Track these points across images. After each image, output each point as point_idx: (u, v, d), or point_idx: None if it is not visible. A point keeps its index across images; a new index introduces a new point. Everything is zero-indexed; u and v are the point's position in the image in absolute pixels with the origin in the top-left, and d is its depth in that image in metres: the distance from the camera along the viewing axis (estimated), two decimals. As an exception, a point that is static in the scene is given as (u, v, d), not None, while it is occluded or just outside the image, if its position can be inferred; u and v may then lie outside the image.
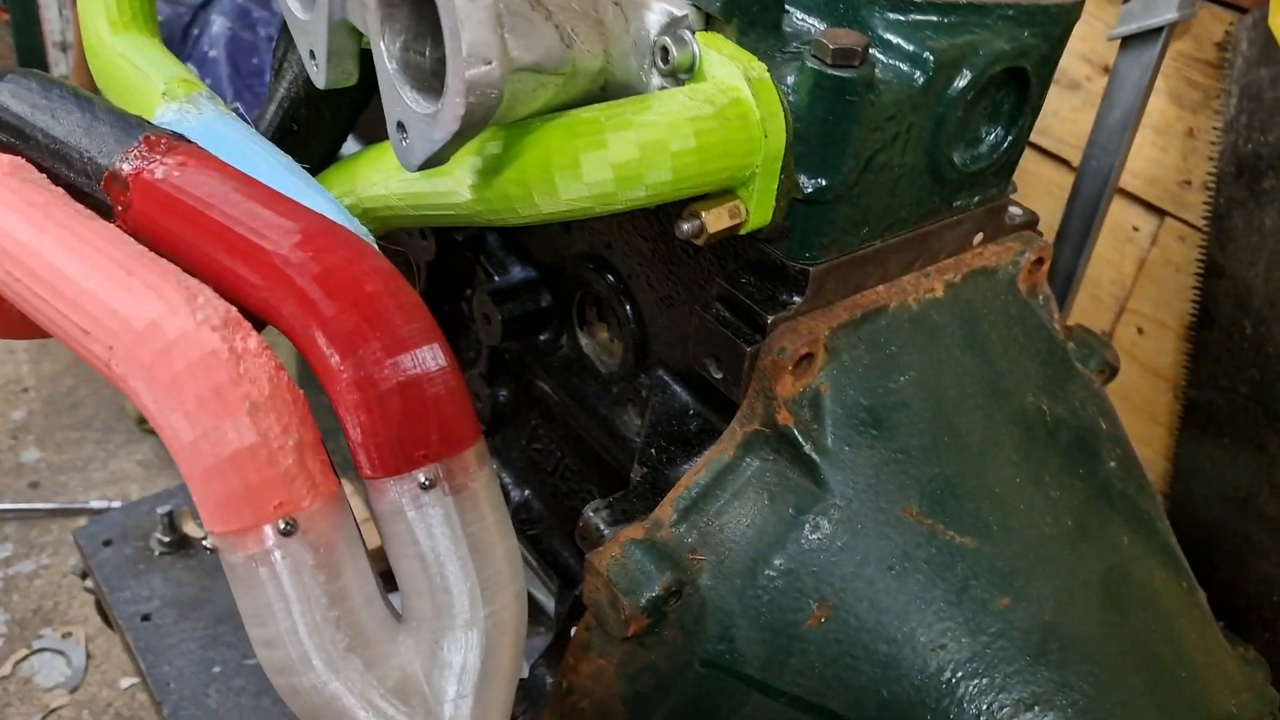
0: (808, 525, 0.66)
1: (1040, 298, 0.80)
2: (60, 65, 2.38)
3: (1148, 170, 0.98)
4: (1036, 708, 0.64)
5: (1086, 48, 0.99)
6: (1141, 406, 1.06)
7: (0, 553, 1.61)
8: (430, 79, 0.58)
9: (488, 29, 0.50)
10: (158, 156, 0.57)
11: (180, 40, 2.09)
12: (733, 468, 0.68)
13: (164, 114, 0.75)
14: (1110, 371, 0.85)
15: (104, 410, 1.82)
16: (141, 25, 0.89)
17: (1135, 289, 1.03)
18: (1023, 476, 0.70)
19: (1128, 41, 0.90)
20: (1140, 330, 1.05)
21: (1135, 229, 1.02)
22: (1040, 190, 1.08)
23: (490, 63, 0.51)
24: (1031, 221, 0.79)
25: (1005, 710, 0.63)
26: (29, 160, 0.61)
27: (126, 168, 0.57)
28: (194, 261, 0.54)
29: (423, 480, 0.49)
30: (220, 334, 0.48)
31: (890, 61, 0.63)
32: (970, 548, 0.67)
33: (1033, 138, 1.09)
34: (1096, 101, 0.96)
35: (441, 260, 0.96)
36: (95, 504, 1.66)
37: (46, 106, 0.62)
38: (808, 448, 0.67)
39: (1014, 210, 0.78)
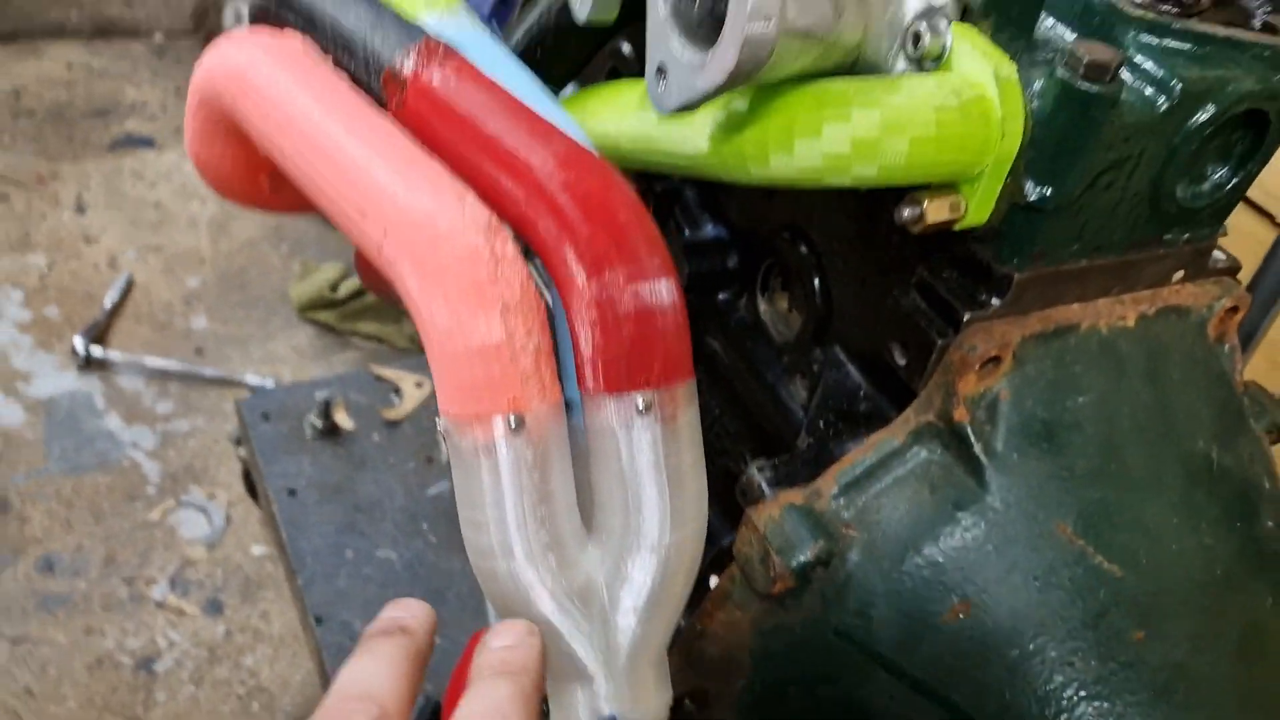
0: (963, 522, 0.68)
1: (1227, 347, 0.80)
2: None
3: (1357, 243, 0.95)
4: (1155, 740, 0.65)
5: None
6: (1300, 477, 1.04)
7: (162, 408, 1.73)
8: (696, 28, 0.60)
9: (772, -9, 0.53)
10: (435, 62, 0.62)
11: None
12: (900, 453, 0.70)
13: (426, 19, 0.80)
14: (1279, 433, 0.84)
15: (269, 294, 1.93)
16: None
17: (1319, 358, 1.02)
18: (1180, 518, 0.71)
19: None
20: (1315, 400, 1.03)
21: (1331, 299, 1.00)
22: (1237, 243, 1.06)
23: (770, 19, 0.53)
24: (1234, 268, 0.79)
25: (1125, 736, 0.65)
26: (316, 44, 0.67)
27: (406, 68, 0.62)
28: (456, 165, 0.58)
29: (640, 404, 0.52)
30: (484, 235, 0.52)
31: (1136, 83, 0.63)
32: (1116, 575, 0.68)
33: (1242, 187, 1.07)
34: (1318, 160, 0.94)
35: (636, 206, 0.99)
36: (250, 379, 1.77)
37: None
38: (978, 448, 0.68)
39: (1218, 254, 0.78)
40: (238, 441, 1.41)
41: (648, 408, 0.52)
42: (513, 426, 0.50)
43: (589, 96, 0.79)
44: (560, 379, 0.55)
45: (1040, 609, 0.67)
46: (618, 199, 0.54)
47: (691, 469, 0.55)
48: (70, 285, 1.88)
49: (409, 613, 0.52)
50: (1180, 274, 0.76)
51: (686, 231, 0.95)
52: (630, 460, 0.53)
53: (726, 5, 0.54)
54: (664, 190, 0.97)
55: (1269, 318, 1.00)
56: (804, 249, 0.83)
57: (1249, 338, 1.01)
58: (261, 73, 0.62)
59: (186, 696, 1.39)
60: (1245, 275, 1.02)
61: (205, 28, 2.45)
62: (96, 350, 1.74)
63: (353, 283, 1.91)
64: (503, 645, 0.51)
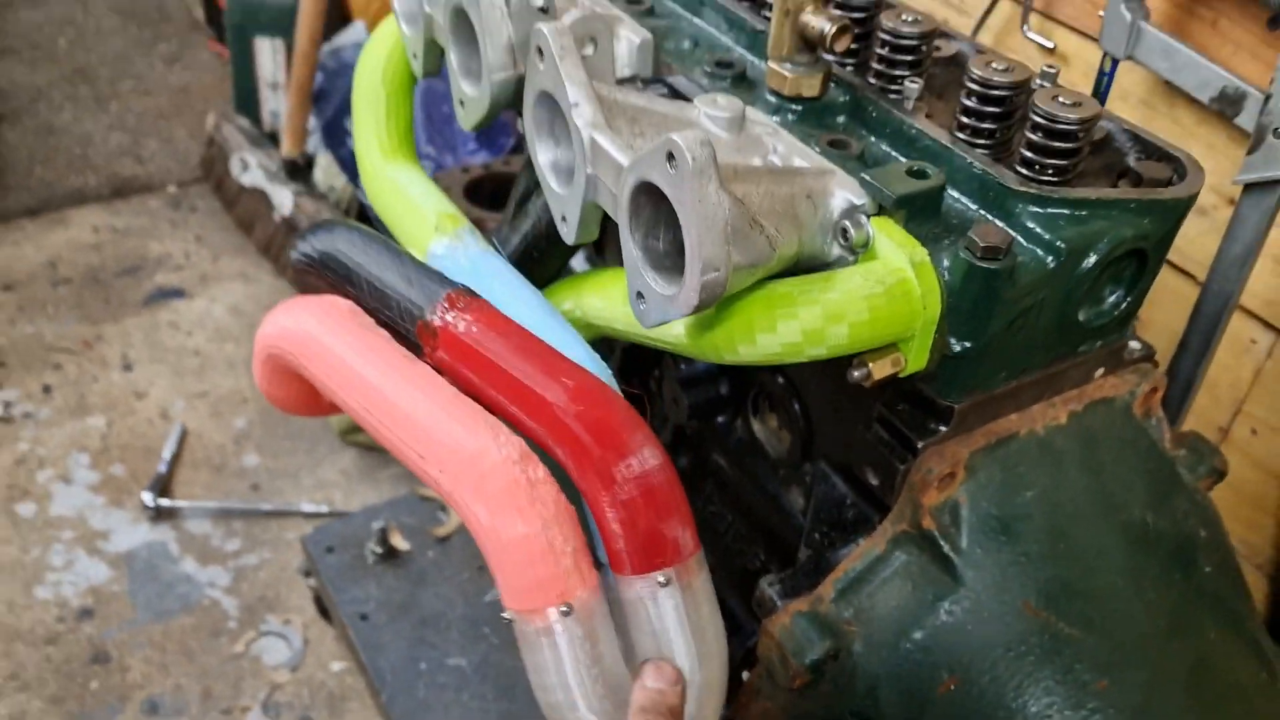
0: (943, 610, 0.82)
1: (1154, 420, 0.93)
2: (270, 101, 2.67)
3: (1266, 292, 1.09)
4: (1125, 774, 0.78)
5: (1215, 180, 1.11)
6: (1252, 498, 1.17)
7: (231, 546, 1.88)
8: (663, 259, 0.75)
9: (719, 246, 0.67)
10: (459, 312, 0.76)
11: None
12: (883, 559, 0.84)
13: (437, 246, 0.94)
14: (1218, 476, 0.97)
15: (312, 423, 2.08)
16: (406, 153, 1.10)
17: (1251, 393, 1.15)
18: (1125, 580, 0.84)
19: (1250, 187, 1.01)
20: (1254, 431, 1.16)
21: (1253, 341, 1.13)
22: (1169, 299, 1.20)
23: (719, 270, 0.68)
24: (1149, 355, 0.92)
25: (1098, 774, 0.78)
26: (354, 299, 0.81)
27: (436, 320, 0.76)
28: (486, 398, 0.72)
29: (660, 579, 0.66)
30: (519, 466, 0.66)
31: (1029, 246, 0.77)
32: (1077, 638, 0.81)
33: (1161, 253, 1.21)
34: (1221, 228, 1.08)
35: (635, 347, 1.14)
36: (306, 507, 1.92)
37: (373, 258, 0.82)
38: (946, 548, 0.82)
39: (1133, 345, 0.91)
40: (307, 573, 1.56)
41: (668, 581, 0.66)
42: (563, 612, 0.64)
43: (585, 283, 0.94)
44: (592, 549, 0.69)
45: (1017, 674, 0.80)
46: (620, 420, 0.69)
47: (709, 618, 0.68)
48: (130, 442, 2.04)
49: (669, 683, 0.64)
50: (1101, 371, 0.90)
51: (682, 366, 1.09)
52: (659, 621, 0.67)
53: (684, 238, 0.68)
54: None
55: (1202, 366, 1.13)
56: (781, 379, 0.98)
57: (1188, 384, 1.15)
58: (319, 341, 0.76)
59: (291, 811, 1.54)
60: (1176, 326, 1.16)
61: (214, 175, 2.62)
62: (164, 501, 1.90)
63: (385, 400, 2.05)
64: None
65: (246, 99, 2.70)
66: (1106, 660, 0.81)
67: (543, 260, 0.98)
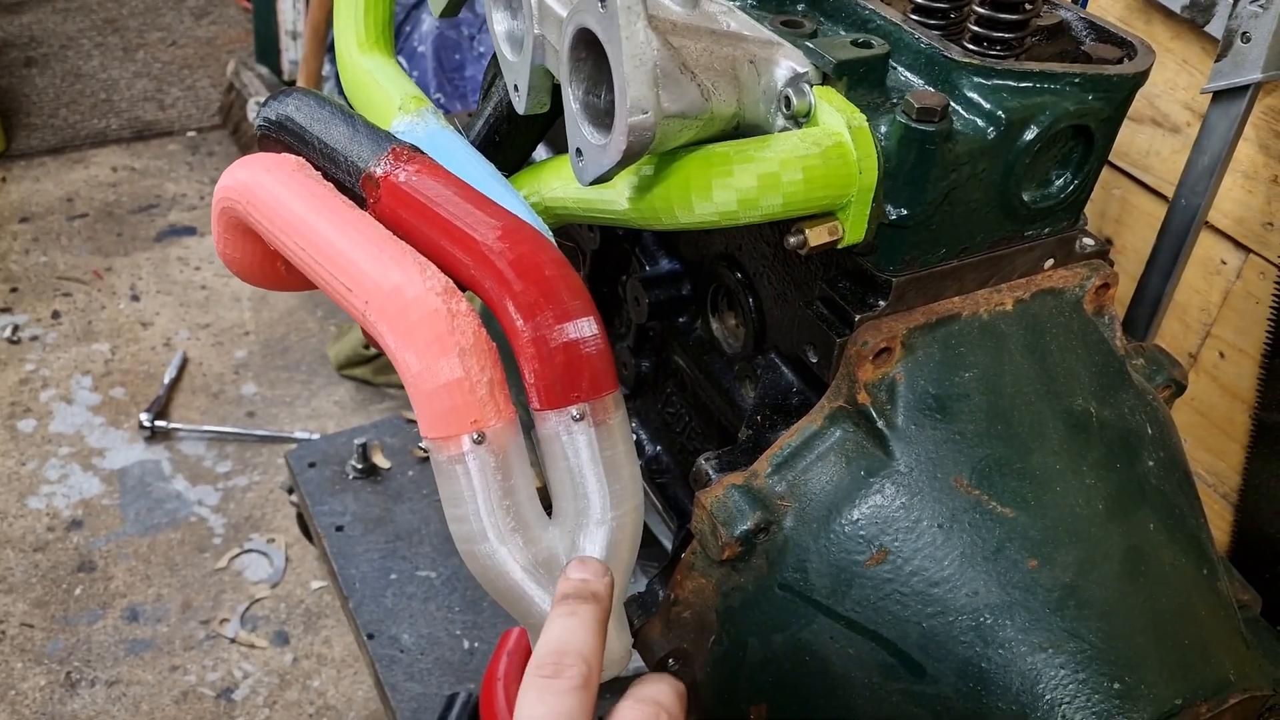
0: (875, 486, 0.82)
1: (1105, 318, 0.93)
2: (290, 50, 2.71)
3: (1235, 210, 1.08)
4: (1050, 650, 0.78)
5: (1188, 96, 1.10)
6: (1219, 424, 1.16)
7: (222, 468, 1.91)
8: (603, 116, 0.76)
9: (647, 87, 0.68)
10: (401, 164, 0.77)
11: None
12: (819, 434, 0.84)
13: (399, 123, 0.96)
14: (1177, 388, 0.97)
15: (310, 356, 2.11)
16: (382, 47, 1.11)
17: (1220, 316, 1.14)
18: (1063, 464, 0.84)
19: (1218, 96, 1.01)
20: (1222, 355, 1.15)
21: (1223, 262, 1.12)
22: (1141, 222, 1.19)
23: (647, 112, 0.68)
24: (1102, 251, 0.92)
25: (1023, 649, 0.78)
26: (306, 159, 0.83)
27: (379, 171, 0.77)
28: (422, 244, 0.73)
29: (574, 414, 0.67)
30: (441, 298, 0.67)
31: (970, 116, 0.78)
32: (1009, 516, 0.81)
33: (1136, 175, 1.20)
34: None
35: (604, 250, 1.15)
36: (299, 434, 1.94)
37: (322, 118, 0.84)
38: (880, 424, 0.82)
39: (1086, 240, 0.91)
40: (290, 489, 1.58)
41: (582, 416, 0.67)
42: (476, 441, 0.65)
43: (544, 168, 0.95)
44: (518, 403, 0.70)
45: (946, 549, 0.80)
46: (545, 259, 0.70)
47: (625, 458, 0.69)
48: (132, 367, 2.08)
49: (595, 575, 0.64)
50: (1050, 261, 0.89)
51: (647, 267, 1.10)
52: (574, 457, 0.68)
53: (613, 79, 0.69)
54: (625, 233, 1.13)
55: (1170, 284, 1.12)
56: (738, 274, 0.98)
57: (1156, 303, 1.14)
58: (266, 189, 0.78)
59: (265, 722, 1.57)
60: (1148, 250, 1.15)
61: (232, 121, 2.66)
62: (160, 423, 1.93)
63: (384, 337, 2.08)
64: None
65: (267, 48, 2.73)
66: (1038, 539, 0.81)
67: (505, 145, 0.99)
